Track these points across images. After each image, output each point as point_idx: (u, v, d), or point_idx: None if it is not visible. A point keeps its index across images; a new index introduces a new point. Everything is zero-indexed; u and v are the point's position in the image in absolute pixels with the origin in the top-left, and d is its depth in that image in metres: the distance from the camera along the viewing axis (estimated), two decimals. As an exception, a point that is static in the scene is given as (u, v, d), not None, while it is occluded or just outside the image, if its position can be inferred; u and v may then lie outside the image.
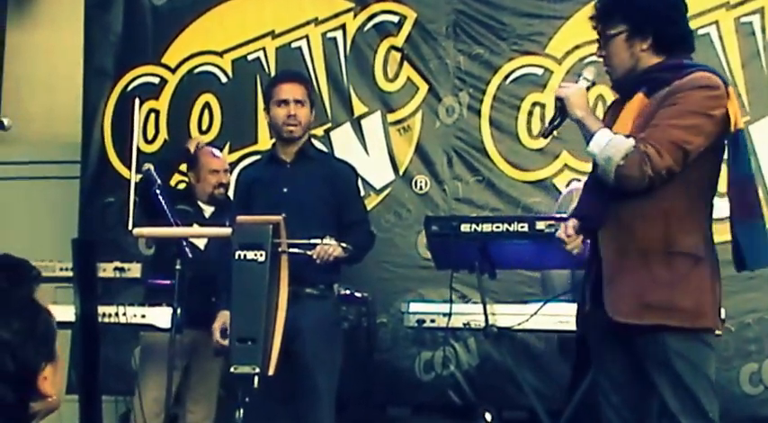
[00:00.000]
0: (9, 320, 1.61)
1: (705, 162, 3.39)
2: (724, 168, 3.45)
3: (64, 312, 4.46)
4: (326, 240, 4.48)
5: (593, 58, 3.80)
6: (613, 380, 3.50)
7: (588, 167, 3.68)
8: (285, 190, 4.79)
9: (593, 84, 3.62)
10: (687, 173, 3.34)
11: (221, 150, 6.42)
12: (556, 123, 3.61)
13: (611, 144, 3.35)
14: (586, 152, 3.46)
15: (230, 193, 5.41)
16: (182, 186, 5.85)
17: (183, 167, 5.77)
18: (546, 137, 3.82)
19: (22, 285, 1.68)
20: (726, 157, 3.45)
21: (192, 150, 5.58)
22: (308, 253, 4.40)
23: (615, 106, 3.62)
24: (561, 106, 3.54)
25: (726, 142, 3.43)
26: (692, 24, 5.65)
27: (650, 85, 3.45)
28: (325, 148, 5.96)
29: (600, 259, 3.45)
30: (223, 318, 4.69)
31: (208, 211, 5.55)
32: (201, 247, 5.26)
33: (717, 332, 3.53)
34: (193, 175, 5.63)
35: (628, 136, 3.36)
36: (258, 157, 5.51)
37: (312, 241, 4.41)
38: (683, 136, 3.31)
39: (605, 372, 3.52)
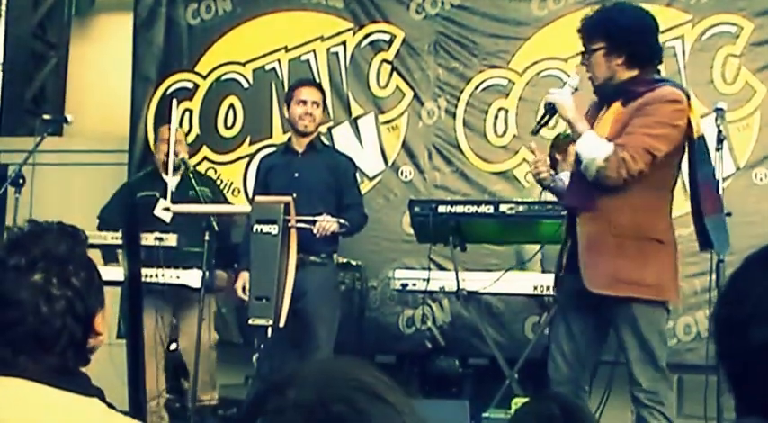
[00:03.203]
0: (78, 271, 1.65)
1: (668, 164, 3.43)
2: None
3: (115, 272, 4.51)
4: (325, 217, 4.50)
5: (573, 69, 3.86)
6: (572, 333, 3.54)
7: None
8: (296, 175, 4.81)
9: (576, 90, 3.62)
10: (653, 172, 3.38)
11: (241, 143, 6.46)
12: (543, 123, 3.65)
13: (595, 147, 3.37)
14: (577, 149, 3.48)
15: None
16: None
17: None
18: (535, 134, 3.77)
19: (81, 245, 1.71)
20: (692, 160, 3.48)
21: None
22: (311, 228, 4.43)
23: (595, 107, 3.63)
24: (551, 109, 3.56)
25: (687, 148, 3.45)
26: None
27: (626, 96, 3.44)
28: (328, 143, 5.97)
29: (575, 236, 3.49)
30: (243, 278, 4.71)
31: (173, 183, 5.26)
32: (168, 220, 5.14)
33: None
34: (155, 147, 5.59)
35: (609, 139, 3.38)
36: (273, 149, 5.50)
37: (314, 218, 4.44)
38: (653, 143, 3.33)
39: (567, 325, 3.56)
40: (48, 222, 1.73)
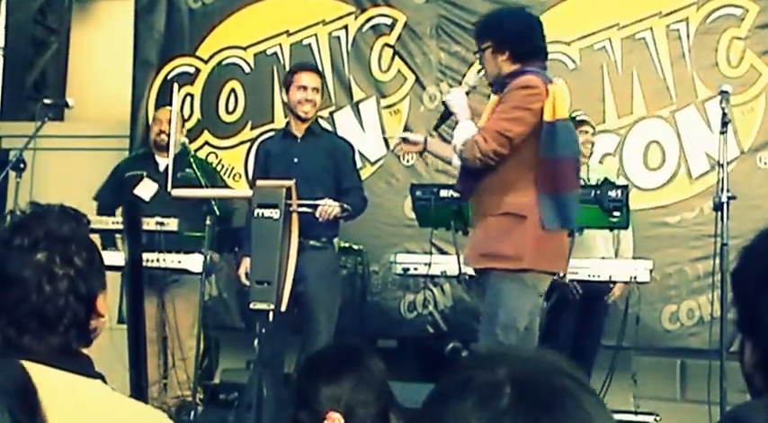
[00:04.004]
0: (80, 251, 1.65)
1: (530, 144, 3.64)
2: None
3: (115, 257, 4.51)
4: (327, 201, 4.49)
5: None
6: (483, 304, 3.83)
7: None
8: (296, 160, 4.79)
9: (474, 88, 4.01)
10: (518, 152, 3.62)
11: (243, 128, 6.45)
12: (442, 120, 3.99)
13: (460, 134, 3.74)
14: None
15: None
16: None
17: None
18: (436, 129, 4.11)
19: (83, 226, 1.71)
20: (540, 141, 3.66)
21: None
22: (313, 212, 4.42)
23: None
24: (447, 108, 3.90)
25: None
26: (631, 30, 5.75)
27: (500, 87, 3.76)
28: (330, 127, 5.95)
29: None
30: (246, 264, 4.71)
31: (163, 164, 5.30)
32: (147, 199, 5.13)
33: (561, 274, 3.88)
34: (150, 131, 5.59)
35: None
36: (272, 133, 5.47)
37: (316, 202, 4.43)
38: (505, 126, 3.61)
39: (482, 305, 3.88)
40: (50, 204, 1.74)
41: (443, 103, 3.96)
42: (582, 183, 4.29)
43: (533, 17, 4.02)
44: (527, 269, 3.63)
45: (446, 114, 3.93)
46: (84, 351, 1.67)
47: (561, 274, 3.93)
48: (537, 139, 3.63)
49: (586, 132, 5.16)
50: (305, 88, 4.82)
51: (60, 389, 1.48)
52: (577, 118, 5.05)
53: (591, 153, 5.26)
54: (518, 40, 3.79)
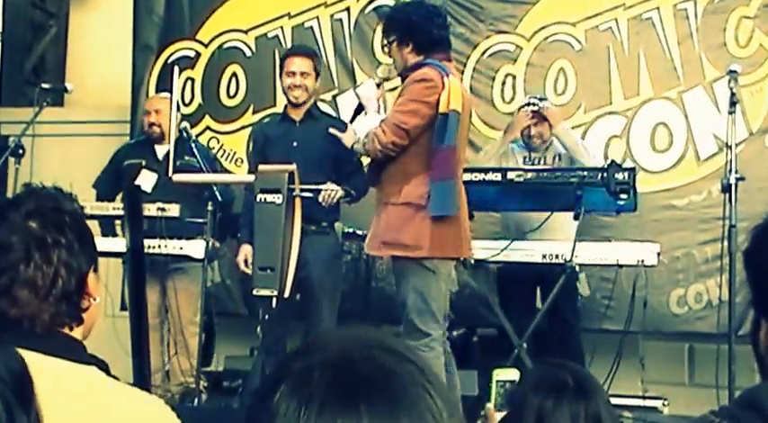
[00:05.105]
0: (72, 224, 1.67)
1: (428, 135, 3.84)
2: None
3: (118, 244, 4.51)
4: (329, 185, 4.49)
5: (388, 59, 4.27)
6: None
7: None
8: (294, 144, 4.78)
9: (386, 79, 4.19)
10: (417, 143, 3.83)
11: (244, 112, 6.43)
12: (357, 111, 4.11)
13: (362, 126, 3.95)
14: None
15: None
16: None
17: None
18: (351, 122, 4.17)
19: (74, 202, 1.73)
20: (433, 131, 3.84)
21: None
22: (316, 196, 4.42)
23: None
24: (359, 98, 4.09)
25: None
26: (638, 10, 5.72)
27: (403, 79, 3.96)
28: (332, 111, 5.94)
29: None
30: (245, 251, 4.71)
31: (161, 151, 5.31)
32: (149, 190, 5.13)
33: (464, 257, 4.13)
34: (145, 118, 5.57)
35: None
36: (268, 119, 5.44)
37: (319, 187, 4.43)
38: (402, 118, 3.82)
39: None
40: (43, 185, 1.76)
41: (356, 94, 4.14)
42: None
43: (436, 7, 4.23)
44: (426, 257, 3.83)
45: (360, 107, 4.09)
46: (78, 336, 1.67)
47: (462, 258, 4.14)
48: (431, 130, 3.83)
49: (536, 125, 5.12)
50: (293, 74, 4.82)
51: (53, 376, 1.48)
52: (529, 102, 5.12)
53: (546, 146, 5.20)
54: (419, 31, 3.96)
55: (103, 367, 1.63)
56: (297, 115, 4.87)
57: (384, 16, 4.21)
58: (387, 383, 0.90)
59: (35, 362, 1.43)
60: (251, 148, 5.18)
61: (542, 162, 5.17)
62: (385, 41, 4.09)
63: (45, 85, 5.72)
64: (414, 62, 3.95)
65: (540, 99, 5.17)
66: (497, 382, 2.22)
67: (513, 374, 2.25)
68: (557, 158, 5.18)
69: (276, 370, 0.95)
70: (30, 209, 1.65)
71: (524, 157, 5.20)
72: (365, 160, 4.65)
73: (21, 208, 1.65)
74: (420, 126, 3.82)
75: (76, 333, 1.67)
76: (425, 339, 3.88)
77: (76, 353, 1.61)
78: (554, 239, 4.76)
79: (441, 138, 3.81)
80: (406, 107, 3.83)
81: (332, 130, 4.35)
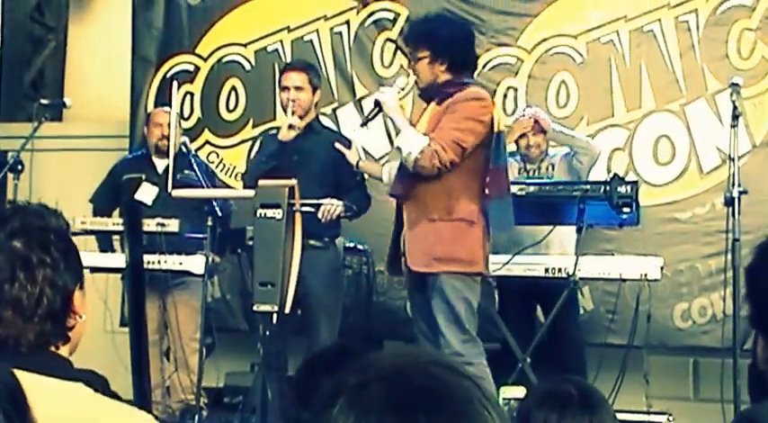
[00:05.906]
0: (58, 242, 1.67)
1: (477, 153, 3.89)
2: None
3: (117, 259, 4.52)
4: (329, 200, 4.49)
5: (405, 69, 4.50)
6: (421, 312, 4.02)
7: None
8: (295, 158, 4.78)
9: (403, 89, 4.27)
10: (464, 161, 3.86)
11: (244, 127, 6.44)
12: (371, 117, 4.13)
13: (413, 141, 3.86)
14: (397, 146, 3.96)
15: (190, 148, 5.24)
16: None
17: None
18: (363, 126, 4.24)
19: (61, 221, 1.72)
20: (491, 150, 3.91)
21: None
22: (317, 211, 4.42)
23: (424, 110, 4.09)
24: (379, 106, 4.03)
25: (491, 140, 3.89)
26: (639, 22, 5.74)
27: (440, 96, 3.94)
28: (332, 124, 5.95)
29: (402, 224, 3.97)
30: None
31: (161, 165, 5.32)
32: (149, 203, 5.13)
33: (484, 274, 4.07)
34: (147, 129, 5.57)
35: (425, 135, 3.86)
36: (273, 131, 5.45)
37: (319, 202, 4.43)
38: (461, 136, 3.83)
39: (413, 304, 4.13)
40: (29, 202, 1.76)
41: (375, 101, 4.08)
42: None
43: (469, 26, 4.29)
44: (479, 273, 3.92)
45: (375, 112, 4.08)
46: (65, 354, 1.67)
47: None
48: (482, 148, 3.89)
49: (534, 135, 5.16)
50: (287, 89, 4.83)
51: (42, 394, 1.48)
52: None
53: (541, 158, 5.25)
54: (460, 50, 3.99)
55: (103, 383, 1.63)
56: (298, 130, 4.86)
57: (415, 31, 4.14)
58: (446, 396, 0.91)
59: (23, 380, 1.43)
60: (258, 149, 5.15)
61: (537, 173, 5.19)
62: (412, 55, 4.05)
63: (44, 101, 5.74)
64: (445, 80, 3.97)
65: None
66: (503, 399, 2.22)
67: (518, 392, 2.26)
68: (550, 168, 5.20)
69: (333, 387, 0.97)
70: (14, 228, 1.65)
71: (519, 169, 5.21)
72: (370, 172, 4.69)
73: (5, 227, 1.64)
74: (475, 145, 3.88)
75: (63, 351, 1.67)
76: (477, 349, 3.94)
77: (63, 370, 1.60)
78: (549, 253, 4.77)
79: (497, 156, 3.92)
80: (462, 125, 3.86)
81: (338, 146, 4.36)
